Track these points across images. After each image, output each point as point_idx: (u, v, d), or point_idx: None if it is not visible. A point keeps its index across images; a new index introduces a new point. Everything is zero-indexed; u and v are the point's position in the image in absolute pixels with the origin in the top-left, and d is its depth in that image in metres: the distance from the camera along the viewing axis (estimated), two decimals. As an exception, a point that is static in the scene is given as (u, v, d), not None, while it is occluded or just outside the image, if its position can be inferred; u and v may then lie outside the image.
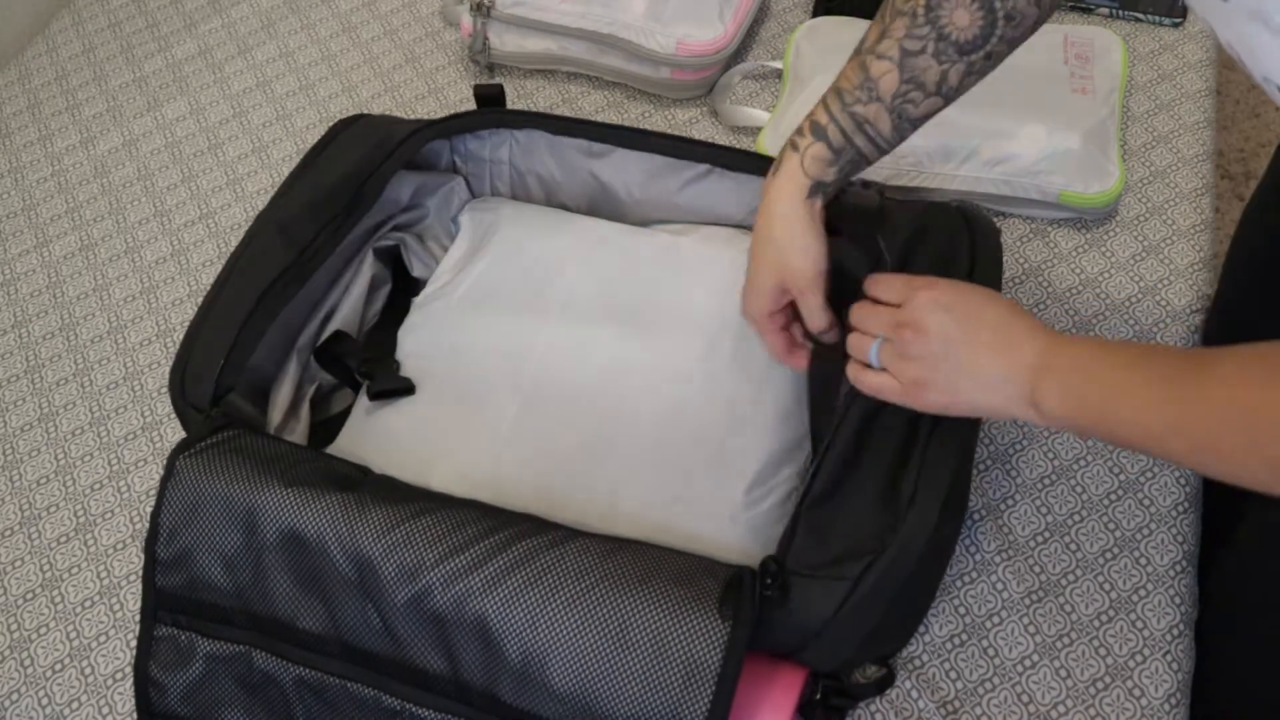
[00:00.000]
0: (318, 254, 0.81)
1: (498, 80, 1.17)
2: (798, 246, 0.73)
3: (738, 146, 1.01)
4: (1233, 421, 0.54)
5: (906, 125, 0.72)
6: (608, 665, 0.62)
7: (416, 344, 0.86)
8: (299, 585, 0.67)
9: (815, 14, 1.17)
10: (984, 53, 0.69)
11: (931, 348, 0.66)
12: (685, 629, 0.61)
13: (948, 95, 0.71)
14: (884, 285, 0.71)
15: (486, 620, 0.63)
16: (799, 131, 0.74)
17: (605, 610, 0.62)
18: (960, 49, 0.68)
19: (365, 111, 1.12)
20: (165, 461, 0.84)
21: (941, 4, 0.68)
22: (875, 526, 0.67)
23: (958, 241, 0.79)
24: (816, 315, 0.75)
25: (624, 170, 0.92)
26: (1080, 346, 0.62)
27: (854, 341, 0.71)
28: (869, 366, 0.70)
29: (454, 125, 0.91)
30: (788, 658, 0.70)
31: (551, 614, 0.63)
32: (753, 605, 0.62)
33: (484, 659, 0.64)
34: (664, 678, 0.61)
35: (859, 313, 0.71)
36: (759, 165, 0.86)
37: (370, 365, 0.84)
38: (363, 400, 0.85)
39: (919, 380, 0.67)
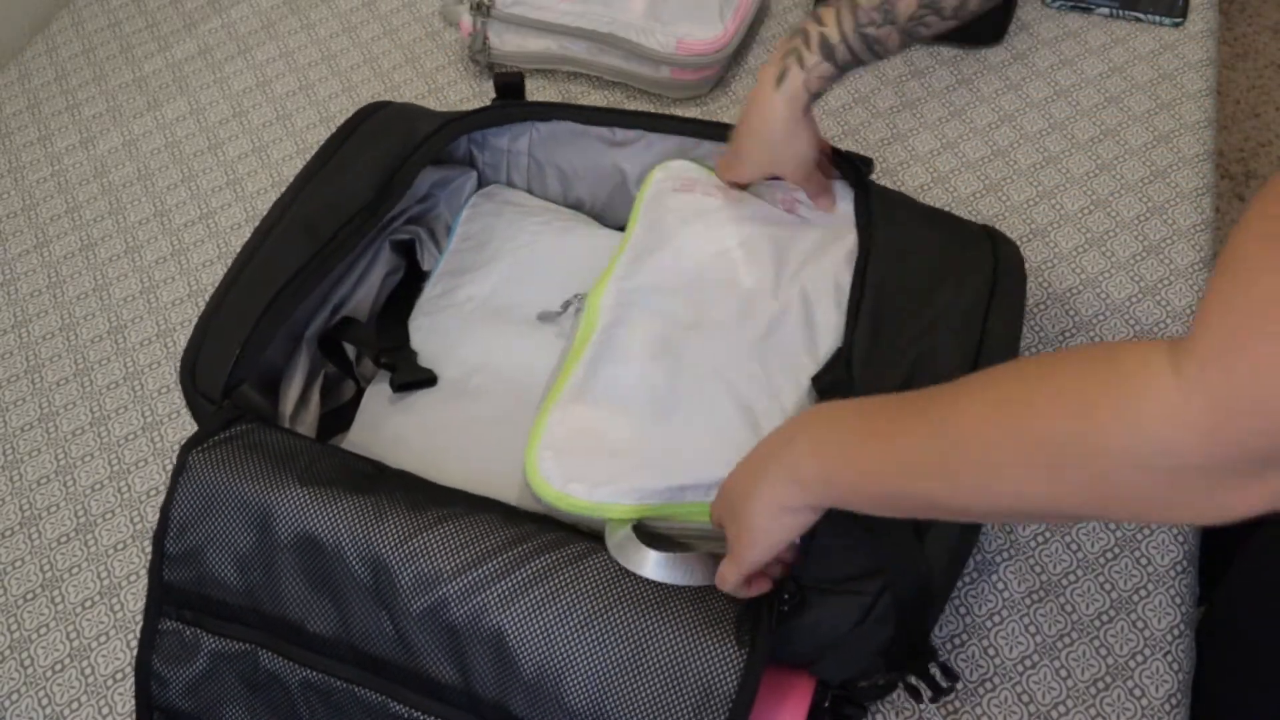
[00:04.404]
0: (339, 249, 0.80)
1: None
2: (794, 150, 0.79)
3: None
4: (971, 415, 0.49)
5: (911, 43, 0.73)
6: (622, 685, 0.61)
7: (424, 346, 0.86)
8: (311, 587, 0.67)
9: (815, 14, 1.17)
10: None
11: (725, 507, 0.64)
12: (701, 653, 0.61)
13: (963, 17, 0.70)
14: None
15: (502, 634, 0.63)
16: (805, 42, 0.75)
17: (622, 630, 0.62)
18: None
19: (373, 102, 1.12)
20: (167, 460, 0.84)
21: None
22: (894, 540, 0.66)
23: (979, 260, 0.79)
24: (817, 190, 0.83)
25: (646, 159, 0.92)
26: (833, 404, 0.59)
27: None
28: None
29: (482, 119, 0.90)
30: (800, 667, 0.70)
31: (568, 631, 0.62)
32: (770, 630, 0.62)
33: (497, 671, 0.64)
34: (678, 701, 0.61)
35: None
36: None
37: (391, 355, 0.84)
38: (374, 394, 0.84)
39: (730, 540, 0.63)
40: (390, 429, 0.82)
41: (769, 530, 0.61)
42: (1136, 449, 0.43)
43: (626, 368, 0.75)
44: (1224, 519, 0.42)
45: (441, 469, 0.75)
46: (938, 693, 0.68)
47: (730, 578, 0.63)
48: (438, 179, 0.92)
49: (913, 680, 0.70)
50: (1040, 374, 0.47)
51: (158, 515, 0.70)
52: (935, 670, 0.69)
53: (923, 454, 0.52)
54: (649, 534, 0.68)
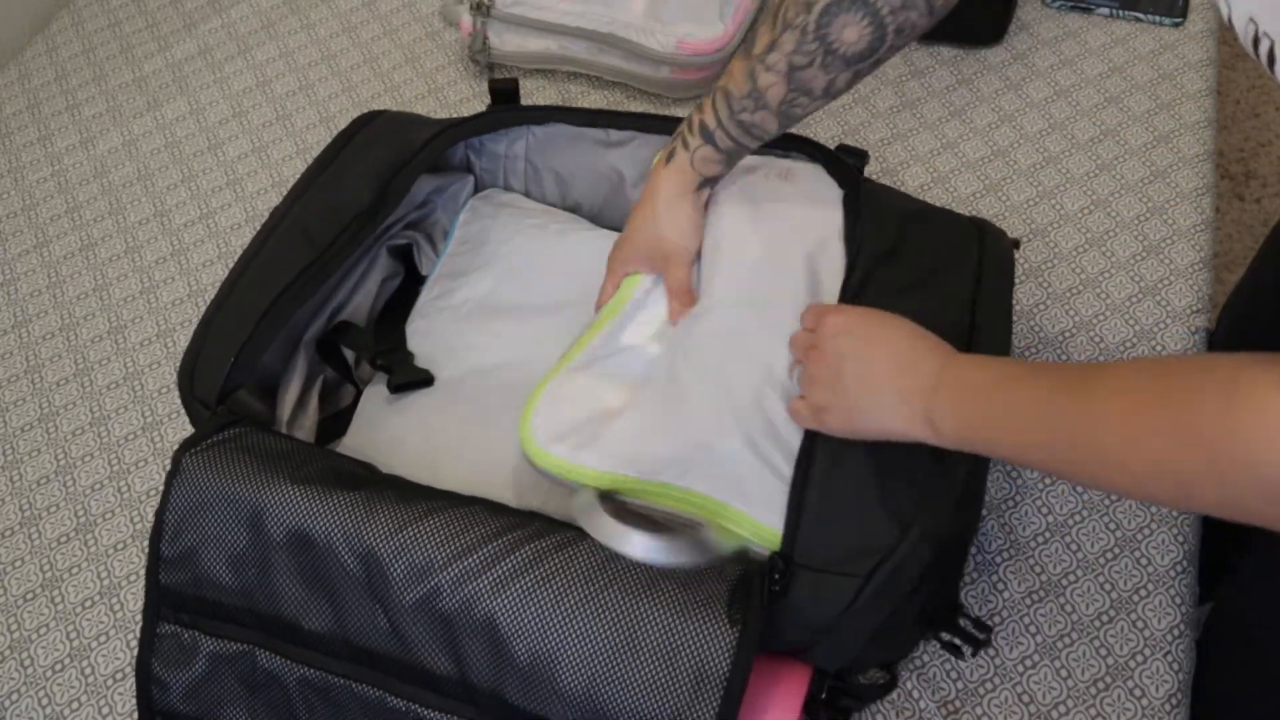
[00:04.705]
0: (338, 255, 0.80)
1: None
2: (679, 228, 0.79)
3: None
4: (1113, 419, 0.53)
5: (792, 122, 0.75)
6: (615, 669, 0.62)
7: (421, 348, 0.86)
8: (305, 585, 0.67)
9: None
10: (872, 61, 0.70)
11: (830, 370, 0.67)
12: (693, 633, 0.61)
13: (835, 95, 0.73)
14: (808, 312, 0.73)
15: (495, 622, 0.63)
16: (689, 127, 0.77)
17: (614, 613, 0.62)
18: (847, 61, 0.70)
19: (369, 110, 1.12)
20: (166, 461, 0.84)
21: (831, 22, 0.68)
22: (888, 522, 0.66)
23: (965, 247, 0.79)
24: (680, 284, 0.80)
25: (643, 160, 0.91)
26: (976, 365, 0.63)
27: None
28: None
29: (478, 125, 0.90)
30: (794, 655, 0.70)
31: (560, 617, 0.62)
32: (761, 608, 0.62)
33: (492, 660, 0.64)
34: (672, 682, 0.61)
35: (791, 341, 0.73)
36: (781, 142, 0.87)
37: (387, 357, 0.84)
38: (370, 396, 0.85)
39: (820, 404, 0.68)
40: (387, 430, 0.82)
41: (882, 432, 0.65)
42: (1261, 485, 0.46)
43: (634, 345, 0.78)
44: None
45: (438, 469, 0.75)
46: (975, 646, 0.70)
47: (806, 419, 0.69)
48: (435, 185, 0.92)
49: (948, 637, 0.71)
50: (1170, 404, 0.51)
51: (157, 515, 0.70)
52: (966, 624, 0.71)
53: (1061, 448, 0.56)
54: (619, 509, 0.69)
